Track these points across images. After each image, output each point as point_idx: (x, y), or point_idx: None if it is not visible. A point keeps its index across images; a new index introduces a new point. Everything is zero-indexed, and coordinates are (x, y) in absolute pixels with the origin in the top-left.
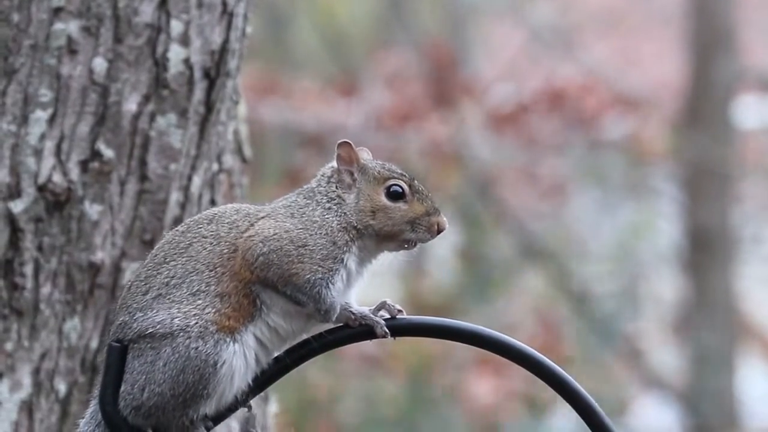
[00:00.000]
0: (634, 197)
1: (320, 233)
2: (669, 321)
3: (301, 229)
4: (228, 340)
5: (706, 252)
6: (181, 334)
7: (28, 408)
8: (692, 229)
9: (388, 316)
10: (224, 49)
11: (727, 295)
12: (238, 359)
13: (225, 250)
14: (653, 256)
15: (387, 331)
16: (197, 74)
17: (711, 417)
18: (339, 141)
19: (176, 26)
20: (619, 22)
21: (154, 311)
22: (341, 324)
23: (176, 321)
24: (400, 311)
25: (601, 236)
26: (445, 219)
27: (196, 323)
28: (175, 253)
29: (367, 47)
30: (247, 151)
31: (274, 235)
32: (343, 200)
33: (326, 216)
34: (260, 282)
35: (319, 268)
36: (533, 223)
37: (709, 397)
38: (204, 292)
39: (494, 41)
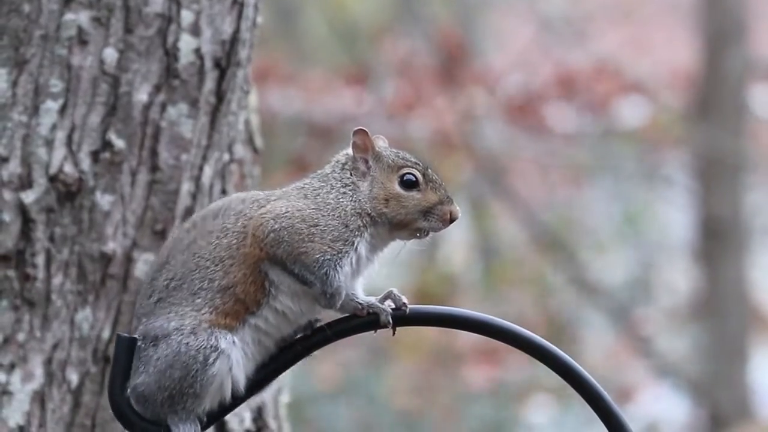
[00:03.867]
0: (647, 187)
1: (333, 215)
2: (681, 310)
3: (313, 209)
4: (224, 334)
5: (718, 241)
6: (176, 332)
7: (40, 398)
8: (704, 219)
9: (393, 305)
10: (235, 38)
11: (740, 285)
12: (235, 354)
13: (233, 241)
14: (665, 245)
15: (390, 320)
16: (208, 64)
17: (723, 406)
18: (355, 128)
19: (187, 16)
20: (631, 12)
21: (156, 316)
22: (348, 314)
23: (172, 323)
24: (404, 304)
25: (612, 226)
26: (458, 208)
27: (190, 322)
28: (177, 252)
29: (377, 38)
30: (258, 142)
31: (286, 213)
32: (358, 187)
33: (341, 200)
34: (269, 259)
35: (329, 249)
36: (544, 213)
37: (721, 387)
38: (205, 289)
39: (505, 33)
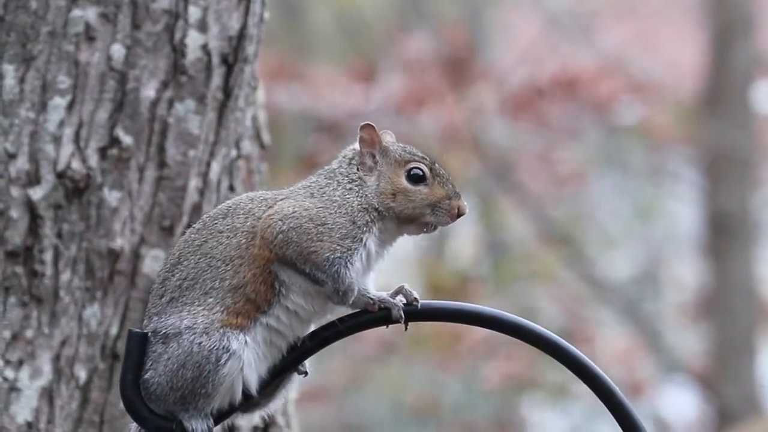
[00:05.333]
0: (654, 182)
1: (340, 212)
2: (689, 306)
3: (320, 207)
4: (236, 334)
5: (726, 237)
6: (188, 331)
7: (48, 395)
8: (712, 214)
9: (405, 301)
10: (242, 34)
11: (748, 280)
12: (247, 354)
13: (243, 241)
14: (673, 241)
15: (402, 315)
16: (215, 60)
17: (732, 402)
18: (362, 123)
19: (194, 12)
20: (637, 7)
21: (167, 315)
22: (359, 310)
23: (185, 322)
24: (416, 299)
25: (620, 222)
26: (465, 203)
27: (203, 321)
28: (189, 252)
29: (385, 35)
30: (266, 138)
31: (294, 213)
32: (365, 182)
33: (347, 196)
34: (279, 260)
35: (338, 247)
36: (552, 208)
37: (729, 382)
38: (216, 288)
39: (512, 29)
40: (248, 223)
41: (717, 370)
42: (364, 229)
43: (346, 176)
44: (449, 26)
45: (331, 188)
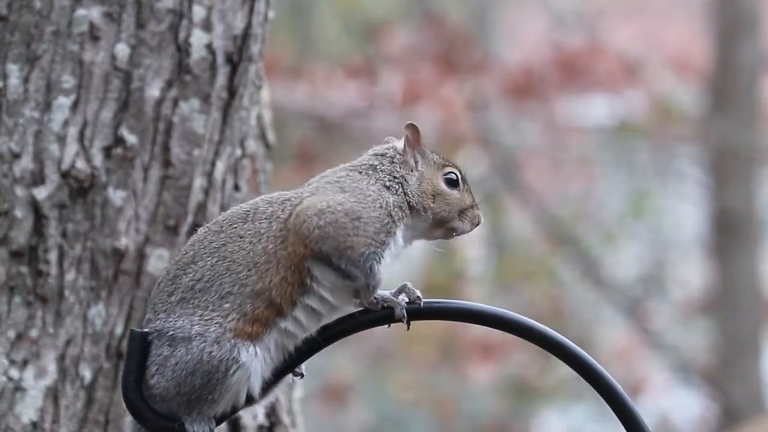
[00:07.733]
0: (659, 181)
1: (374, 206)
2: (694, 305)
3: (354, 202)
4: (246, 346)
5: (731, 235)
6: (198, 338)
7: (53, 395)
8: (717, 213)
9: (407, 299)
10: (246, 34)
11: (753, 279)
12: (256, 363)
13: (270, 246)
14: (678, 240)
15: (405, 314)
16: (220, 59)
17: (736, 400)
18: (407, 123)
19: (198, 11)
20: (644, 6)
21: (176, 315)
22: (362, 309)
23: (195, 327)
24: (418, 298)
25: (624, 221)
26: (481, 213)
27: (215, 330)
28: (205, 254)
29: (384, 31)
30: (271, 137)
31: (328, 207)
32: (406, 181)
33: (382, 191)
34: (313, 256)
35: (373, 242)
36: (557, 207)
37: (734, 381)
38: (235, 294)
39: (519, 28)
40: (274, 227)
41: (722, 368)
42: (397, 224)
43: (389, 174)
44: (448, 21)
45: (365, 183)
